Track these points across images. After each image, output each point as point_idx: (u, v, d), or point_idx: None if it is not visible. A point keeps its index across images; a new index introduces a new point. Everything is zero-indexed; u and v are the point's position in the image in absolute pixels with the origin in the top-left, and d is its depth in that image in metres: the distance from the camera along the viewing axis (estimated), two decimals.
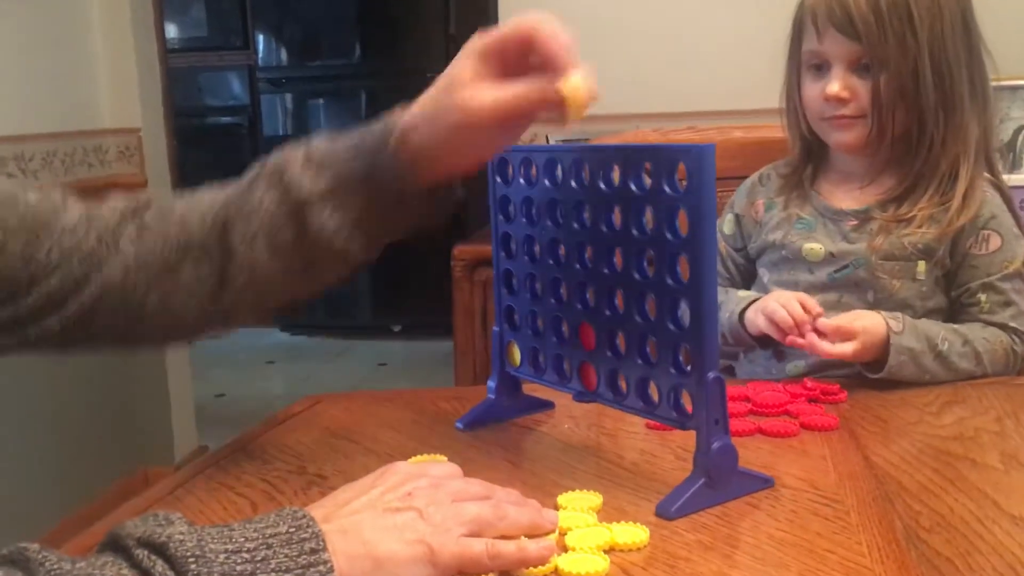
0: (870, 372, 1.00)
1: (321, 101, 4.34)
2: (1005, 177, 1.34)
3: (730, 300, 1.13)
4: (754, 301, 1.09)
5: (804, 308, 1.02)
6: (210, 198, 0.77)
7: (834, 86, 1.08)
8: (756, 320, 1.07)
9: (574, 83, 0.66)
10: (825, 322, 1.00)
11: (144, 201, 0.78)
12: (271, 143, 3.34)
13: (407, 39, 4.17)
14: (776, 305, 1.03)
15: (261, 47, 4.35)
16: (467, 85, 0.69)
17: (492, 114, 0.69)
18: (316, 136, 0.76)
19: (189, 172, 4.08)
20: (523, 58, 0.69)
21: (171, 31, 4.54)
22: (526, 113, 0.70)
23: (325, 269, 0.75)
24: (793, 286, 1.13)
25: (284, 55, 4.35)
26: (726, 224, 1.25)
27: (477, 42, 0.71)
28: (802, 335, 1.00)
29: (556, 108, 0.67)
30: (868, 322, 0.99)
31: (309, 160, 0.73)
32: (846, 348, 0.98)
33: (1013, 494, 0.71)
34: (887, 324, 1.00)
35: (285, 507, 0.57)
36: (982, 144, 1.11)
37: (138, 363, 2.64)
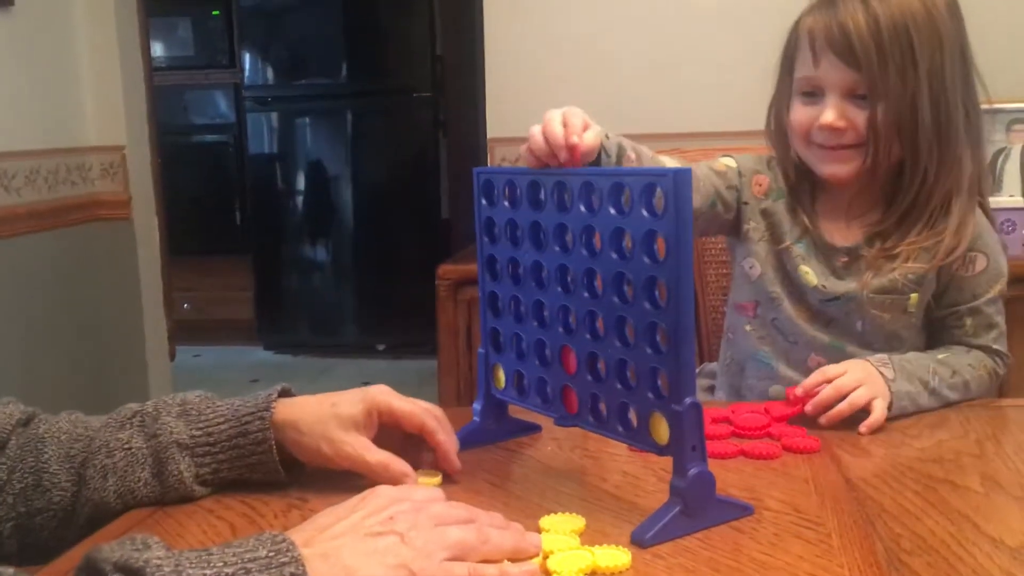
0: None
1: (307, 120, 4.34)
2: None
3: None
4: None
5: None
6: (74, 431, 0.80)
7: (829, 115, 1.04)
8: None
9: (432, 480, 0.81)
10: (825, 390, 0.95)
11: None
12: (256, 161, 3.34)
13: (394, 59, 4.19)
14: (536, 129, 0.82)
15: (247, 66, 4.35)
16: (348, 432, 0.79)
17: (353, 464, 0.79)
18: (193, 393, 0.83)
19: (174, 190, 4.09)
20: (400, 429, 0.82)
21: (157, 49, 4.55)
22: (378, 475, 0.78)
23: (162, 502, 0.79)
24: (788, 296, 1.12)
25: (270, 74, 4.35)
26: (721, 162, 1.17)
27: (376, 397, 0.80)
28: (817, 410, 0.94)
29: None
30: (856, 371, 0.96)
31: (185, 412, 0.80)
32: (878, 415, 0.93)
33: (993, 517, 0.72)
34: (882, 375, 0.97)
35: (265, 531, 0.57)
36: (975, 177, 1.08)
37: (119, 382, 2.62)
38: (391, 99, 4.16)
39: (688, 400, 0.69)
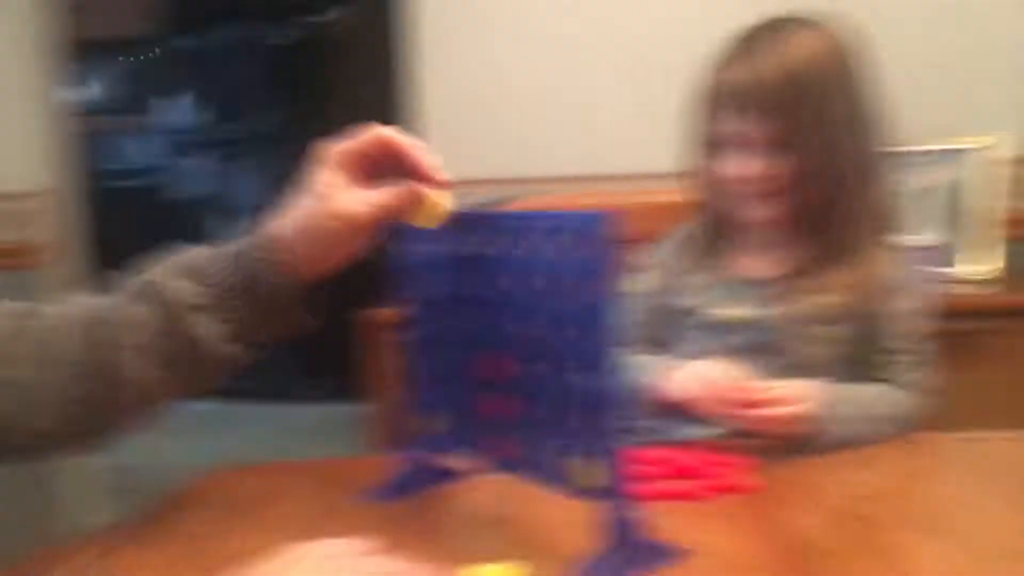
0: (799, 447, 0.98)
1: (237, 164, 4.30)
2: (907, 239, 1.38)
3: (652, 366, 1.10)
4: (674, 369, 1.06)
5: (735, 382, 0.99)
6: (81, 312, 0.77)
7: (751, 166, 1.08)
8: (684, 386, 1.03)
9: (441, 197, 0.75)
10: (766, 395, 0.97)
11: None
12: (188, 206, 3.30)
13: (330, 100, 4.18)
14: (713, 375, 1.00)
15: (179, 108, 4.30)
16: (339, 195, 0.74)
17: (370, 219, 0.74)
18: (187, 249, 0.79)
19: (100, 237, 3.99)
20: (378, 164, 0.75)
21: (87, 92, 4.48)
22: (398, 214, 0.76)
23: (210, 375, 0.77)
24: (711, 348, 1.13)
25: (199, 117, 4.31)
26: (646, 281, 1.22)
27: (334, 151, 0.75)
28: (745, 407, 0.97)
29: (420, 210, 0.75)
30: (803, 392, 0.98)
31: (190, 272, 0.76)
32: (792, 412, 0.96)
33: (923, 557, 0.72)
34: (817, 395, 0.99)
35: None
36: (890, 215, 1.13)
37: None
38: (324, 141, 4.15)
39: (617, 445, 0.69)
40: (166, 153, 4.49)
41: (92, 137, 4.21)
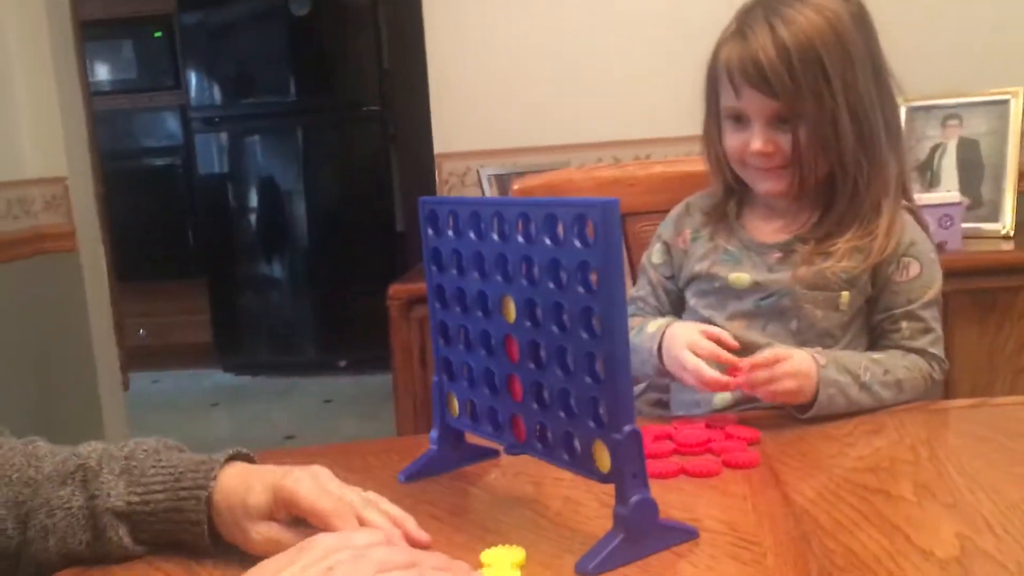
0: (799, 413, 1.01)
1: (256, 138, 4.32)
2: (924, 196, 1.37)
3: (644, 339, 1.12)
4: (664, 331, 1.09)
5: (719, 342, 1.03)
6: (25, 472, 0.79)
7: (756, 143, 1.09)
8: (676, 370, 1.06)
9: None
10: (759, 373, 0.99)
11: None
12: (207, 182, 3.32)
13: (341, 74, 4.18)
14: (694, 361, 1.03)
15: (193, 86, 4.31)
16: (255, 521, 0.75)
17: (263, 549, 0.73)
18: (146, 443, 0.81)
19: (124, 216, 4.04)
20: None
21: (100, 73, 4.50)
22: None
23: (100, 560, 0.78)
24: (721, 313, 1.15)
25: (217, 93, 4.32)
26: (655, 254, 1.25)
27: (283, 488, 0.74)
28: (735, 377, 1.00)
29: None
30: (798, 361, 1.00)
31: (128, 472, 0.78)
32: (786, 386, 0.99)
33: (924, 527, 0.73)
34: (815, 360, 1.01)
35: None
36: (900, 178, 1.13)
37: (72, 418, 2.58)
38: (340, 114, 4.16)
39: (627, 428, 0.70)
40: (182, 130, 4.52)
41: (107, 117, 4.25)
